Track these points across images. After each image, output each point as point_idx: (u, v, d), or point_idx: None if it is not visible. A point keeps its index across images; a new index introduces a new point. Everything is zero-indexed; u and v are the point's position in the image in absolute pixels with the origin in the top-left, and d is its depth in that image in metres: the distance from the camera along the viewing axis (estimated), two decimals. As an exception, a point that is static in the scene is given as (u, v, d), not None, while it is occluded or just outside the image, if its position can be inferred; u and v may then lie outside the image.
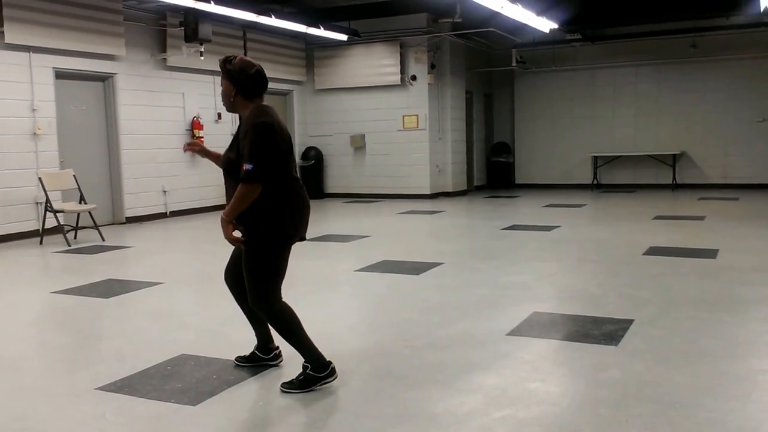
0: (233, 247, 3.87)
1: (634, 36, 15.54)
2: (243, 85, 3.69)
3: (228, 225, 3.62)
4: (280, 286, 3.79)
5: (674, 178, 15.95)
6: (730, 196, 13.76)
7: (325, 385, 3.75)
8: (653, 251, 7.72)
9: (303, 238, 3.87)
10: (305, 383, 3.74)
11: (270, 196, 3.61)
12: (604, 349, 4.29)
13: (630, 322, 4.85)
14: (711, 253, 7.46)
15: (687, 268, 6.77)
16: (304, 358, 3.79)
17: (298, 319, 3.79)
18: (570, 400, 3.52)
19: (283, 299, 3.80)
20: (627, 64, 16.30)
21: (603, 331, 4.67)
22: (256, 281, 3.70)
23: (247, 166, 3.51)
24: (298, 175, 3.92)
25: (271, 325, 3.81)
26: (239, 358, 4.16)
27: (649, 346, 4.34)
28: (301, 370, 3.79)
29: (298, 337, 3.77)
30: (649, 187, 16.03)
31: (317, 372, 3.75)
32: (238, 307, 4.12)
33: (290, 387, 3.74)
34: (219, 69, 3.82)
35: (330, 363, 3.81)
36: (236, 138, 3.75)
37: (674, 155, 15.89)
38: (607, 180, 16.73)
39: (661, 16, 14.47)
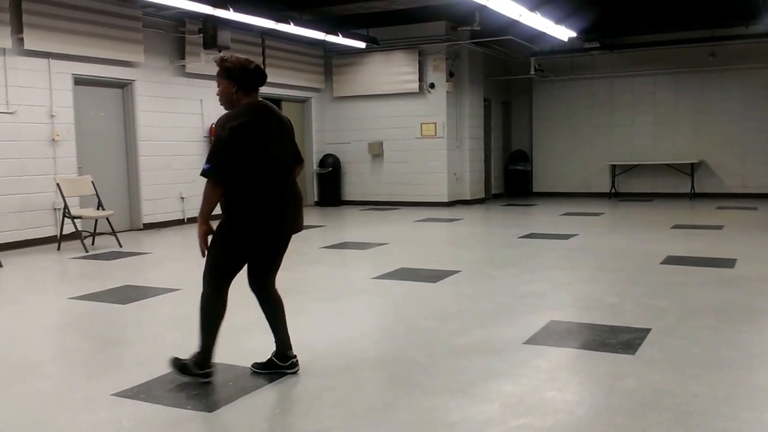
0: (247, 252, 3.94)
1: (652, 45, 15.47)
2: (244, 80, 3.85)
3: (201, 225, 3.81)
4: (227, 279, 3.92)
5: (692, 187, 15.85)
6: (748, 206, 13.66)
7: (204, 381, 3.94)
8: (671, 260, 7.67)
9: (282, 236, 3.97)
10: (183, 368, 3.96)
11: (241, 193, 3.76)
12: (621, 358, 4.27)
13: (647, 331, 4.82)
14: (729, 263, 7.41)
15: (705, 278, 6.73)
16: (198, 347, 3.95)
17: (221, 318, 3.95)
18: (587, 409, 3.51)
19: (225, 289, 3.94)
20: (645, 73, 16.23)
21: (620, 340, 4.65)
22: (209, 258, 3.89)
23: (204, 165, 3.73)
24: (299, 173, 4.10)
25: (200, 304, 3.96)
26: (256, 365, 4.17)
27: (667, 355, 4.32)
28: (192, 354, 3.98)
29: (209, 330, 3.94)
30: (668, 196, 15.94)
31: (197, 367, 3.94)
32: (256, 314, 4.15)
33: (175, 363, 3.98)
34: None
35: (211, 370, 3.97)
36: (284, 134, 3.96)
37: (692, 164, 15.79)
38: (625, 189, 16.65)
39: (681, 24, 14.41)
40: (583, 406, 3.57)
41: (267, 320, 4.11)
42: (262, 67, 3.96)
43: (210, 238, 3.86)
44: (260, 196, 3.79)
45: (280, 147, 3.89)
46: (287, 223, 3.93)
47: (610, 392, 3.73)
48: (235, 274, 3.95)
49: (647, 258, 7.89)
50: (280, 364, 4.11)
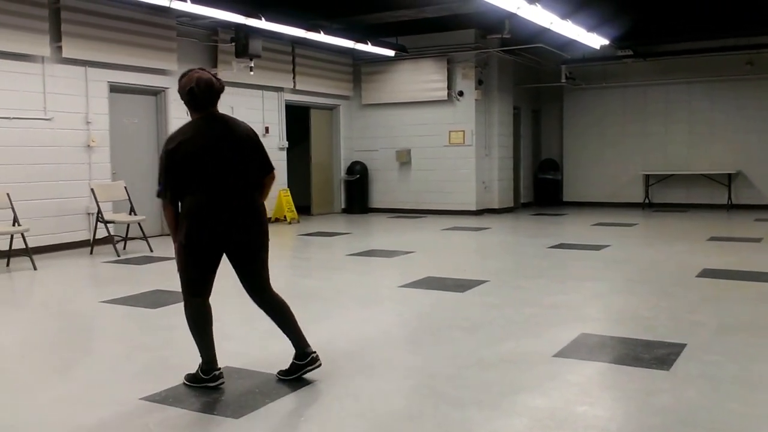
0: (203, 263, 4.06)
1: (687, 53, 15.23)
2: (188, 102, 4.02)
3: (174, 242, 4.01)
4: (202, 287, 4.03)
5: (729, 198, 15.55)
6: (786, 218, 13.36)
7: (213, 386, 3.99)
8: (707, 273, 7.50)
9: (226, 247, 4.03)
10: (192, 378, 4.06)
11: (184, 209, 3.93)
12: (655, 374, 4.15)
13: (682, 346, 4.69)
14: None
15: (742, 292, 6.55)
16: (200, 356, 4.04)
17: (205, 320, 4.05)
18: (619, 425, 3.41)
19: (200, 299, 4.05)
20: (680, 81, 15.99)
21: (654, 355, 4.53)
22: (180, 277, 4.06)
23: (157, 186, 3.97)
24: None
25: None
26: (281, 373, 4.14)
27: (702, 371, 4.20)
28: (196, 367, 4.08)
29: (199, 339, 4.04)
30: (703, 207, 15.66)
31: (203, 374, 4.01)
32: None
33: (186, 377, 4.09)
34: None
35: (217, 374, 4.01)
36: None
37: (729, 175, 15.50)
38: (659, 199, 16.41)
39: (716, 32, 14.19)
40: (616, 422, 3.47)
41: (278, 326, 4.16)
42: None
43: None
44: (198, 210, 3.90)
45: (220, 162, 3.92)
46: (226, 233, 3.95)
47: (644, 408, 3.63)
48: (206, 285, 4.05)
49: (682, 270, 7.73)
50: (302, 363, 4.10)
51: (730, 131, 15.63)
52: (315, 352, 4.13)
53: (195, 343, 4.05)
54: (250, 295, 4.16)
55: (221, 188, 3.93)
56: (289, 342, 4.12)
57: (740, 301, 6.17)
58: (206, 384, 3.99)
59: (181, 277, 4.04)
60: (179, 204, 3.94)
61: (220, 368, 4.04)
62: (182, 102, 4.04)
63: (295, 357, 4.12)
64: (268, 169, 4.12)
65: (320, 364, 4.12)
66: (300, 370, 4.10)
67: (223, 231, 3.93)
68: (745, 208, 15.34)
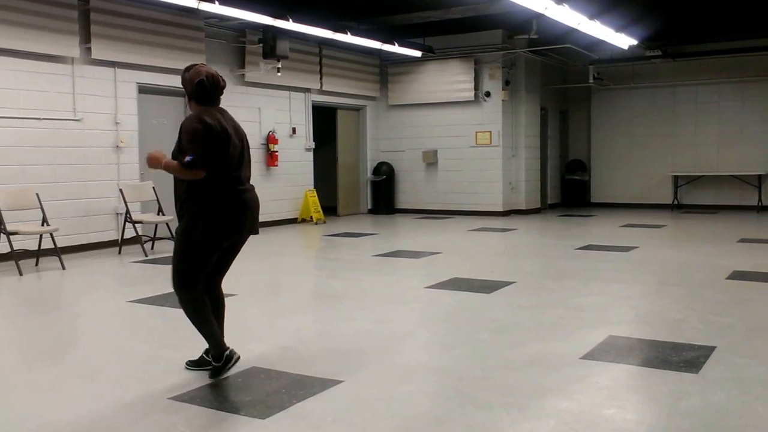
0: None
1: (717, 53, 15.06)
2: (194, 93, 4.14)
3: (154, 160, 4.11)
4: (200, 273, 4.09)
5: (760, 199, 15.33)
6: (818, 219, 13.15)
7: (230, 366, 4.14)
8: (737, 275, 7.40)
9: (241, 236, 4.17)
10: (214, 372, 4.14)
11: (202, 197, 3.99)
12: (684, 377, 4.11)
13: (712, 349, 4.64)
14: (799, 279, 7.12)
15: (773, 294, 6.47)
16: (209, 345, 4.16)
17: (206, 309, 4.13)
18: (647, 429, 3.39)
19: (199, 288, 4.11)
20: (709, 82, 15.80)
21: (683, 357, 4.49)
22: (176, 262, 4.10)
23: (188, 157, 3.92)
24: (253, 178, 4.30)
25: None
26: (189, 363, 4.35)
27: (732, 374, 4.15)
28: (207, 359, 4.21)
29: (207, 326, 4.13)
30: (733, 209, 15.45)
31: (216, 361, 4.12)
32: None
33: (211, 373, 4.17)
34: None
35: (229, 353, 4.13)
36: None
37: (760, 176, 15.28)
38: (688, 200, 16.23)
39: (747, 32, 14.00)
40: (644, 425, 3.44)
41: (214, 318, 4.24)
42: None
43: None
44: (222, 203, 4.08)
45: (237, 154, 4.13)
46: (242, 225, 4.15)
47: (672, 412, 3.59)
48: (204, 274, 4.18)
49: (712, 272, 7.65)
50: (219, 365, 4.17)
51: (760, 132, 15.41)
52: (228, 349, 4.20)
53: (200, 332, 4.15)
54: (212, 285, 4.27)
55: (239, 180, 4.09)
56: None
57: (771, 304, 6.09)
58: (226, 368, 4.10)
59: (183, 267, 4.06)
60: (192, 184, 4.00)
61: (227, 347, 4.15)
62: (185, 90, 4.20)
63: (214, 358, 4.19)
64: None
65: (239, 357, 4.24)
66: (219, 373, 4.17)
67: (240, 223, 4.09)
68: (776, 209, 15.13)
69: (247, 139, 4.26)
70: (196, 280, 4.08)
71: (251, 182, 4.28)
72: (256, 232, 4.30)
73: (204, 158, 3.90)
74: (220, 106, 4.21)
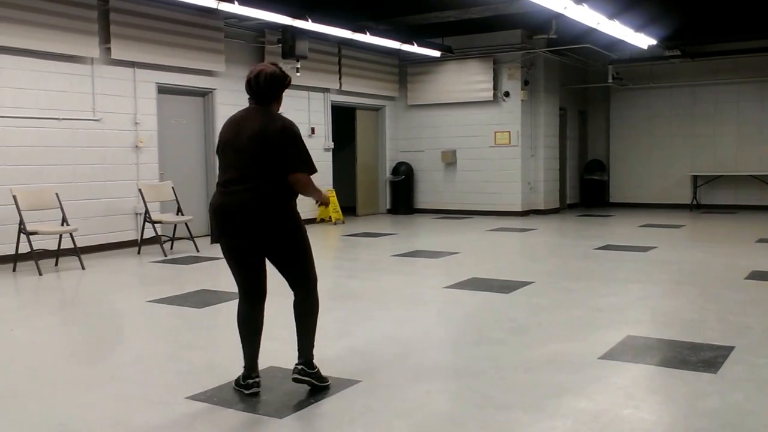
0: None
1: (736, 53, 14.95)
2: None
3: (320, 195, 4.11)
4: (239, 286, 4.04)
5: (779, 199, 15.23)
6: (840, 220, 13.00)
7: (247, 394, 3.93)
8: (757, 276, 7.36)
9: (228, 242, 3.97)
10: (317, 378, 3.99)
11: (292, 197, 3.95)
12: (702, 377, 4.11)
13: (730, 349, 4.64)
14: (819, 280, 7.06)
15: (793, 295, 6.43)
16: (309, 353, 4.01)
17: (241, 328, 4.01)
18: (665, 429, 3.39)
19: (242, 304, 4.04)
20: (729, 82, 15.68)
21: (701, 357, 4.48)
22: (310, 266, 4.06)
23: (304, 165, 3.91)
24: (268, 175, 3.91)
25: (313, 310, 4.06)
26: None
27: (751, 375, 4.14)
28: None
29: (243, 342, 4.01)
30: (753, 209, 15.34)
31: (240, 379, 3.99)
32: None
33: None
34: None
35: (249, 382, 3.94)
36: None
37: (779, 176, 15.17)
38: (707, 200, 16.13)
39: (766, 32, 13.88)
40: (662, 425, 3.45)
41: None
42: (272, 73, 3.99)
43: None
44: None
45: (230, 152, 3.94)
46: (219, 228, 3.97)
47: (690, 412, 3.60)
48: (244, 284, 4.09)
49: (731, 273, 7.61)
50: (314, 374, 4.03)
51: (780, 131, 15.28)
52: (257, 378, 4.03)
53: (310, 337, 4.02)
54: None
55: (225, 178, 4.02)
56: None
57: (791, 305, 6.06)
58: (244, 391, 3.95)
59: (310, 265, 4.00)
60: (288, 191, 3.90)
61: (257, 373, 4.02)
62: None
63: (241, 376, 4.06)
64: (292, 167, 3.89)
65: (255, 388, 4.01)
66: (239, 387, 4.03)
67: (218, 227, 4.06)
68: (796, 209, 14.99)
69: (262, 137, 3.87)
70: (240, 292, 4.05)
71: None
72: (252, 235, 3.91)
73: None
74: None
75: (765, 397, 3.77)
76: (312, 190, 3.96)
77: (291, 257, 3.96)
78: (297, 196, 3.94)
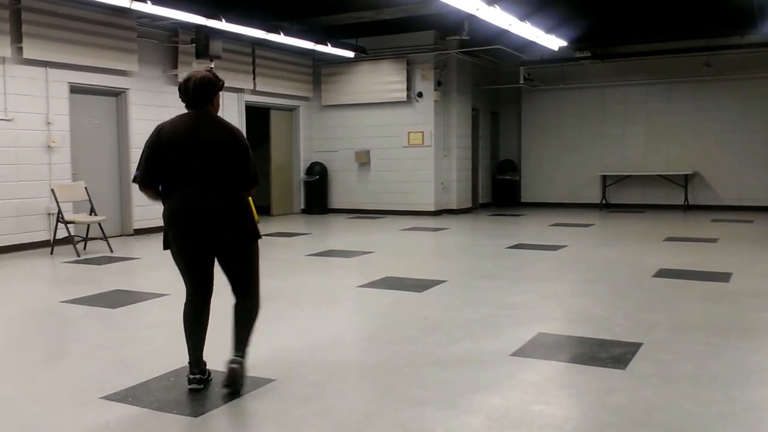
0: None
1: (645, 54, 15.41)
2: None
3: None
4: (189, 285, 4.05)
5: (686, 198, 15.76)
6: (744, 219, 13.54)
7: (189, 388, 3.92)
8: (663, 273, 7.59)
9: (191, 245, 3.97)
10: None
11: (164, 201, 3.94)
12: (611, 373, 4.18)
13: (639, 345, 4.74)
14: (724, 277, 7.29)
15: (699, 292, 6.63)
16: (245, 353, 4.02)
17: (189, 323, 4.02)
18: (575, 424, 3.42)
19: (191, 301, 4.05)
20: (638, 83, 16.17)
21: (610, 354, 4.56)
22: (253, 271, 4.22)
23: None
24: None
25: (254, 314, 4.16)
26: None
27: (658, 370, 4.23)
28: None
29: (188, 338, 4.01)
30: (660, 208, 15.86)
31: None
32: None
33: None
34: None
35: (190, 377, 3.94)
36: None
37: (686, 175, 15.70)
38: (616, 200, 16.60)
39: (674, 34, 14.37)
40: (571, 421, 3.48)
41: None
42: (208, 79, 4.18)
43: None
44: (167, 204, 3.96)
45: (194, 158, 3.87)
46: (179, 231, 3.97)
47: (600, 407, 3.64)
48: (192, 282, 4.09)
49: (639, 271, 7.82)
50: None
51: (687, 132, 15.85)
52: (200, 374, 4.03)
53: (249, 338, 4.04)
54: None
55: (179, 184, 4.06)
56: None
57: (696, 301, 6.25)
58: (189, 385, 3.96)
59: (258, 272, 4.18)
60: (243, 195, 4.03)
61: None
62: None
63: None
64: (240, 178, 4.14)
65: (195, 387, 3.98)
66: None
67: (178, 230, 4.11)
68: (701, 208, 15.59)
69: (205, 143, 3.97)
70: (189, 290, 4.08)
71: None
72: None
73: None
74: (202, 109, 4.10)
75: (672, 392, 3.85)
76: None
77: (246, 265, 4.09)
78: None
